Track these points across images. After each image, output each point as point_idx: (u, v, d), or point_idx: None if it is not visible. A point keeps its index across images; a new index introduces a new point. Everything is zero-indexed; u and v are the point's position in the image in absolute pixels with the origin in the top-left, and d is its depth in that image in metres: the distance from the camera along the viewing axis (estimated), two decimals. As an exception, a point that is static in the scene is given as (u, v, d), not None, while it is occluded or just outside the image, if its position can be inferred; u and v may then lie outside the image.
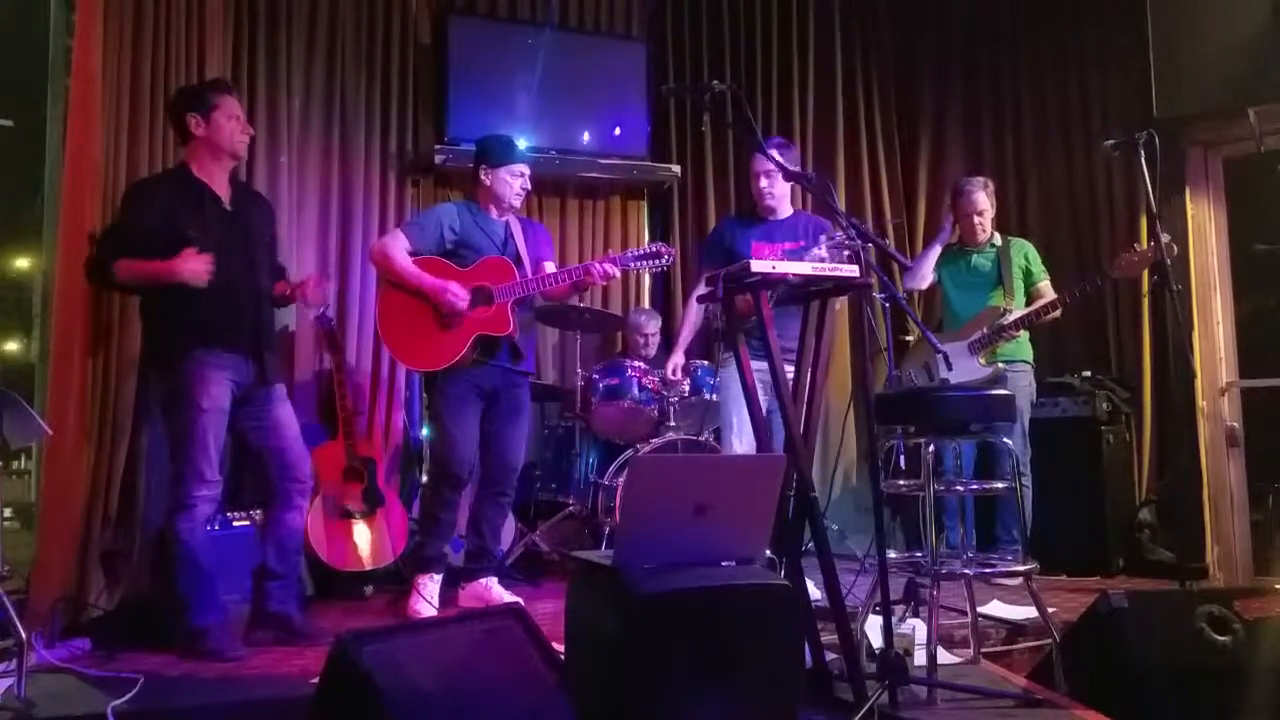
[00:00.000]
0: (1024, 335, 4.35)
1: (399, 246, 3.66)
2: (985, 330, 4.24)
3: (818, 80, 5.66)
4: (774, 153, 3.92)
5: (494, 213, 3.81)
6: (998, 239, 4.48)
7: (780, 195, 4.04)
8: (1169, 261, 3.65)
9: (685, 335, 4.27)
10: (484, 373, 3.68)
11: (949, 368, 4.14)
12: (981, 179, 4.51)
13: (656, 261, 3.72)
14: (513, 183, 3.78)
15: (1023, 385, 4.27)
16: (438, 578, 3.70)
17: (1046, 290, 4.36)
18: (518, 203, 3.86)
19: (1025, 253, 4.46)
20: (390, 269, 3.65)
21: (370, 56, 5.00)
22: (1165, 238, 3.71)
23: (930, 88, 5.66)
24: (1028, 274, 4.41)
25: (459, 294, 3.59)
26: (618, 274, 3.72)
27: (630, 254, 3.74)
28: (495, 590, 3.71)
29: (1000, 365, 4.23)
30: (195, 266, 3.06)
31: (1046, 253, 4.57)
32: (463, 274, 3.66)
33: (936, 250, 4.50)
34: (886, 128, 5.73)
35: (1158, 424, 4.76)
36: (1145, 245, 4.16)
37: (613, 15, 5.71)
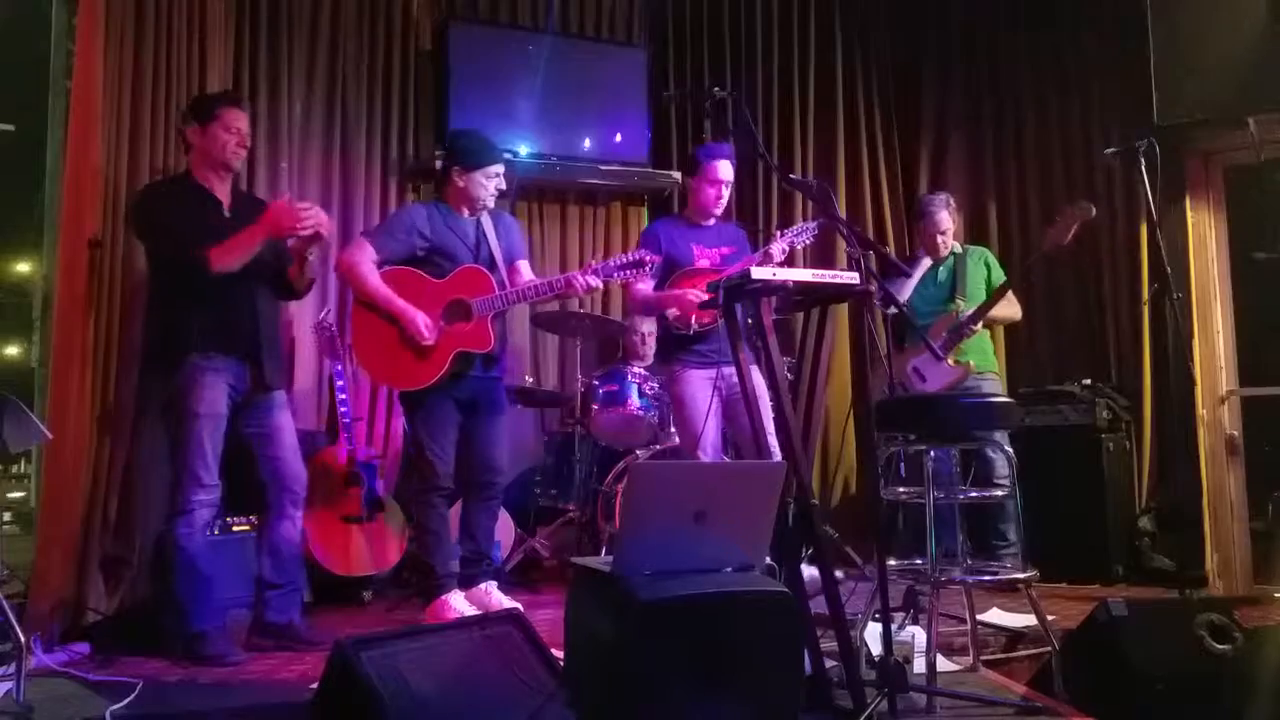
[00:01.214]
0: (989, 346, 4.46)
1: (367, 258, 3.53)
2: (945, 334, 4.28)
3: (818, 86, 5.66)
4: (726, 163, 3.96)
5: (464, 212, 3.72)
6: (957, 248, 4.57)
7: (724, 205, 4.07)
8: (1167, 261, 3.65)
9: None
10: (461, 384, 3.60)
11: (923, 379, 4.22)
12: (943, 196, 4.59)
13: (639, 270, 3.60)
14: (488, 185, 3.68)
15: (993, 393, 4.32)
16: (460, 593, 3.61)
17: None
18: (491, 204, 3.76)
19: (985, 259, 4.57)
20: (361, 289, 3.54)
21: (371, 62, 5.02)
22: (1085, 204, 3.84)
23: (931, 93, 5.65)
24: (989, 280, 4.49)
25: (428, 332, 3.49)
26: (601, 285, 3.63)
27: (613, 263, 3.61)
28: (495, 595, 3.67)
29: (972, 364, 4.29)
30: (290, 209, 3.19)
31: (1046, 260, 4.56)
32: (438, 286, 3.57)
33: (925, 266, 4.58)
34: (887, 133, 5.73)
35: (1158, 432, 4.75)
36: (1071, 208, 4.15)
37: (613, 22, 5.72)
